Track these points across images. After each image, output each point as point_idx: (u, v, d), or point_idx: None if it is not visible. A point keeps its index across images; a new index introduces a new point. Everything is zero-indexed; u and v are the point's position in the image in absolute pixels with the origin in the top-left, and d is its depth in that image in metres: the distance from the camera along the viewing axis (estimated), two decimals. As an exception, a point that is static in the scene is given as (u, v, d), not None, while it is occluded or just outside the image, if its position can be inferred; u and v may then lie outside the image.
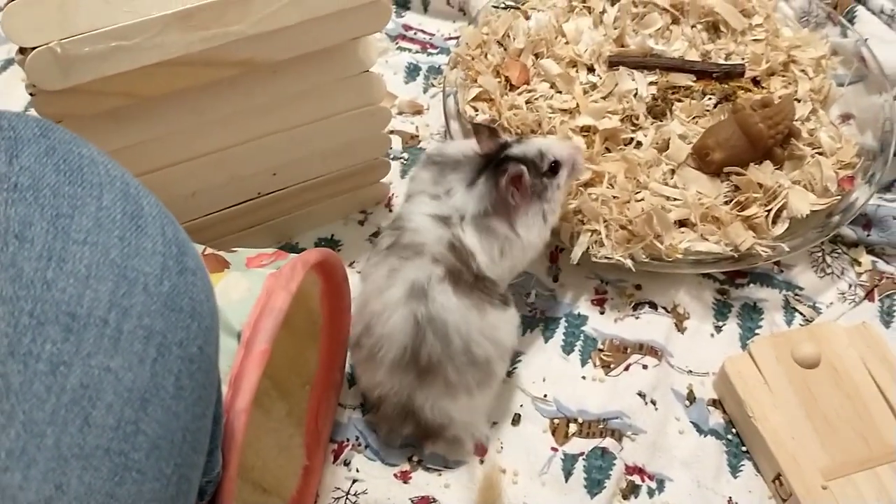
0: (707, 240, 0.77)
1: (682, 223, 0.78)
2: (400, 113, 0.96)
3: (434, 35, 1.04)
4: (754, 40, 0.91)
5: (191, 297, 0.37)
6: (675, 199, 0.78)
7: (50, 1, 0.56)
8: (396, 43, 1.03)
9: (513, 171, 0.66)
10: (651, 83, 0.87)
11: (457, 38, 1.01)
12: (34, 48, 0.56)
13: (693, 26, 0.93)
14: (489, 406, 0.69)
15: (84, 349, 0.32)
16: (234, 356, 0.50)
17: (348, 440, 0.71)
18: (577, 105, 0.85)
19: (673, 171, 0.81)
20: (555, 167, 0.70)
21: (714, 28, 0.93)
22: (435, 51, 1.02)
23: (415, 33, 1.04)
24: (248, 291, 0.54)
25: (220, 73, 0.64)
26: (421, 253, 0.64)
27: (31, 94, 0.61)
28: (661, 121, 0.85)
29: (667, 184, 0.80)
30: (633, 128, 0.84)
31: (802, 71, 0.89)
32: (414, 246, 0.65)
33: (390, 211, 0.86)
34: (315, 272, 0.64)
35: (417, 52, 1.02)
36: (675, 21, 0.93)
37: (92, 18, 0.57)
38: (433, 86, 0.99)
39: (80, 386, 0.32)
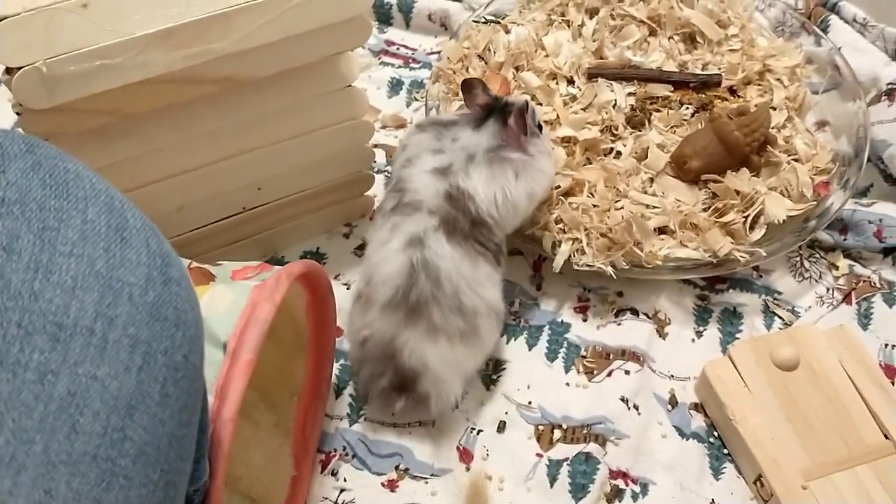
0: (686, 246, 0.78)
1: (661, 230, 0.79)
2: (383, 127, 0.97)
3: (416, 50, 1.05)
4: (730, 50, 0.93)
5: (175, 306, 0.38)
6: (654, 207, 0.80)
7: (35, 21, 0.57)
8: (379, 58, 1.04)
9: (521, 105, 0.72)
10: (630, 94, 0.89)
11: (438, 52, 1.03)
12: (20, 68, 0.57)
13: (670, 38, 0.94)
14: (467, 371, 0.70)
15: (71, 358, 0.33)
16: (221, 366, 0.51)
17: (335, 450, 0.72)
18: (558, 116, 0.86)
19: (652, 180, 0.82)
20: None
21: (691, 39, 0.95)
22: (417, 65, 1.04)
23: (397, 48, 1.06)
24: (234, 303, 0.55)
25: (204, 90, 0.65)
26: (419, 208, 0.68)
27: (17, 114, 0.61)
28: (640, 131, 0.86)
29: (646, 192, 0.81)
30: (612, 138, 0.86)
31: (778, 80, 0.91)
32: (414, 203, 0.69)
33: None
34: (300, 284, 0.65)
35: (400, 66, 1.04)
36: (653, 33, 0.95)
37: (76, 38, 0.58)
38: (416, 100, 1.00)
39: (68, 394, 0.32)
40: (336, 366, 0.75)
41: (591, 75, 0.90)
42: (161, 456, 0.36)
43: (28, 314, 0.32)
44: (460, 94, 0.78)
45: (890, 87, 0.87)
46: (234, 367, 0.50)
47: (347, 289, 0.81)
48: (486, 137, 0.73)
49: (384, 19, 1.08)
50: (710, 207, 0.80)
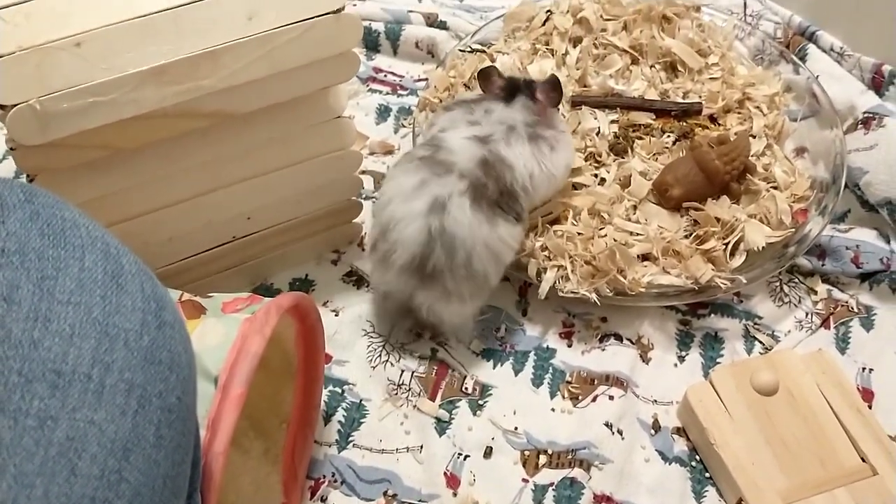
0: (669, 273, 0.80)
1: (644, 257, 0.81)
2: (371, 153, 0.98)
3: (403, 77, 1.07)
4: (711, 79, 0.95)
5: (169, 349, 0.39)
6: (637, 234, 0.81)
7: (29, 60, 0.58)
8: (367, 85, 1.06)
9: (551, 79, 0.78)
10: (612, 121, 0.91)
11: (426, 79, 1.04)
12: (14, 105, 0.58)
13: (652, 66, 0.96)
14: (477, 312, 0.78)
15: (69, 404, 0.34)
16: (212, 400, 0.52)
17: (325, 476, 0.73)
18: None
19: (635, 207, 0.84)
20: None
21: (672, 68, 0.97)
22: (405, 92, 1.05)
23: (385, 75, 1.07)
24: (224, 336, 0.56)
25: (194, 124, 0.66)
26: (451, 170, 0.72)
27: (10, 149, 0.63)
28: (623, 158, 0.88)
29: (629, 219, 0.83)
30: (596, 165, 0.87)
31: (757, 107, 0.93)
32: (447, 164, 0.72)
33: (363, 250, 0.88)
34: (289, 315, 0.66)
35: (388, 93, 1.05)
36: (635, 62, 0.97)
37: (70, 76, 0.59)
38: (403, 126, 1.01)
39: (67, 439, 0.34)
40: (325, 392, 0.76)
41: (575, 103, 0.92)
42: (156, 496, 0.37)
43: (28, 362, 0.34)
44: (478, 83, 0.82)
45: (866, 115, 0.89)
46: (225, 401, 0.52)
47: (336, 315, 0.83)
48: (520, 112, 0.77)
49: (372, 47, 1.09)
50: (691, 234, 0.82)
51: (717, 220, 0.81)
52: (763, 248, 0.80)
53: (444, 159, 0.72)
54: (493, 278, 0.74)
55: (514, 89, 0.79)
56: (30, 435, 0.33)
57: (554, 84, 0.77)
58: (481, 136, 0.74)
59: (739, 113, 0.93)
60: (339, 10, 0.66)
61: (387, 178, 0.76)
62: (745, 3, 1.04)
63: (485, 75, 0.80)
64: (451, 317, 0.75)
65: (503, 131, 0.75)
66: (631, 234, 0.81)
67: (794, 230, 0.82)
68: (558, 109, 0.82)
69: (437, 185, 0.71)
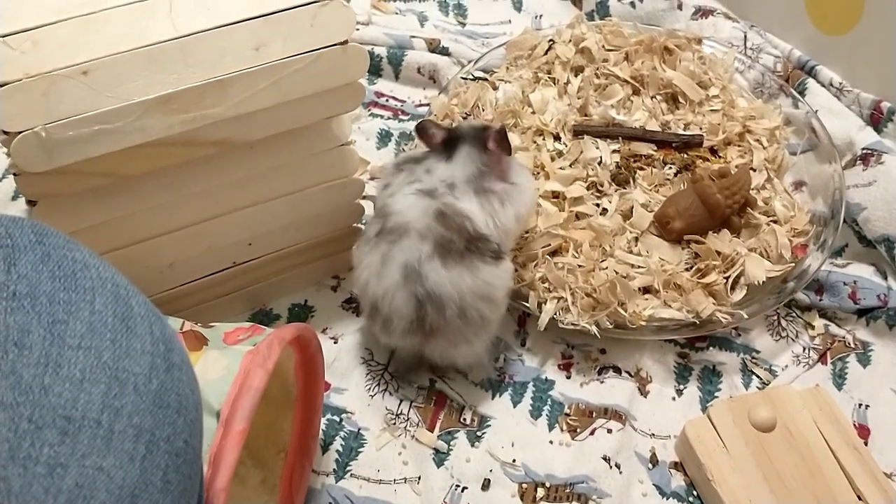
0: (670, 306, 0.80)
1: (646, 290, 0.81)
2: (372, 178, 0.98)
3: (405, 102, 1.07)
4: (711, 111, 0.95)
5: (177, 392, 0.39)
6: (639, 267, 0.82)
7: (36, 88, 0.58)
8: (369, 109, 1.06)
9: (499, 129, 0.75)
10: (614, 151, 0.91)
11: (427, 104, 1.04)
12: (19, 132, 0.58)
13: (653, 97, 0.97)
14: (490, 342, 0.78)
15: (79, 450, 0.34)
16: (214, 435, 0.52)
17: (321, 506, 0.73)
18: (545, 169, 0.88)
19: (637, 239, 0.84)
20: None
21: (673, 99, 0.97)
22: (406, 117, 1.06)
23: (386, 100, 1.07)
24: (227, 370, 0.56)
25: (199, 152, 0.66)
26: (407, 232, 0.71)
27: (14, 174, 0.62)
28: (625, 188, 0.88)
29: (631, 251, 0.83)
30: (598, 194, 0.88)
31: (757, 140, 0.93)
32: (399, 228, 0.71)
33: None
34: (290, 346, 0.66)
35: (389, 118, 1.06)
36: (636, 92, 0.97)
37: (76, 104, 0.59)
38: (404, 151, 1.01)
39: (76, 486, 0.34)
40: (323, 420, 0.76)
41: (577, 132, 0.93)
42: (162, 541, 0.37)
43: (39, 409, 0.34)
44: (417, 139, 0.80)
45: (865, 151, 0.90)
46: (228, 437, 0.51)
47: (335, 342, 0.83)
48: (461, 167, 0.74)
49: (374, 71, 1.09)
50: (692, 267, 0.82)
51: (718, 253, 0.82)
52: (763, 282, 0.80)
53: (395, 224, 0.71)
54: (493, 315, 0.74)
55: (454, 142, 0.76)
56: (39, 483, 0.33)
57: (502, 134, 0.74)
58: (427, 190, 0.73)
59: (740, 146, 0.93)
60: (345, 42, 0.66)
61: (355, 262, 0.75)
62: (745, 37, 1.05)
63: (421, 130, 0.78)
64: (464, 358, 0.76)
65: (445, 187, 0.73)
66: (632, 266, 0.82)
67: (793, 264, 0.83)
68: (512, 156, 0.78)
69: (400, 251, 0.70)
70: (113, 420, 0.35)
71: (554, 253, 0.82)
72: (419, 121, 0.79)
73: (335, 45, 0.66)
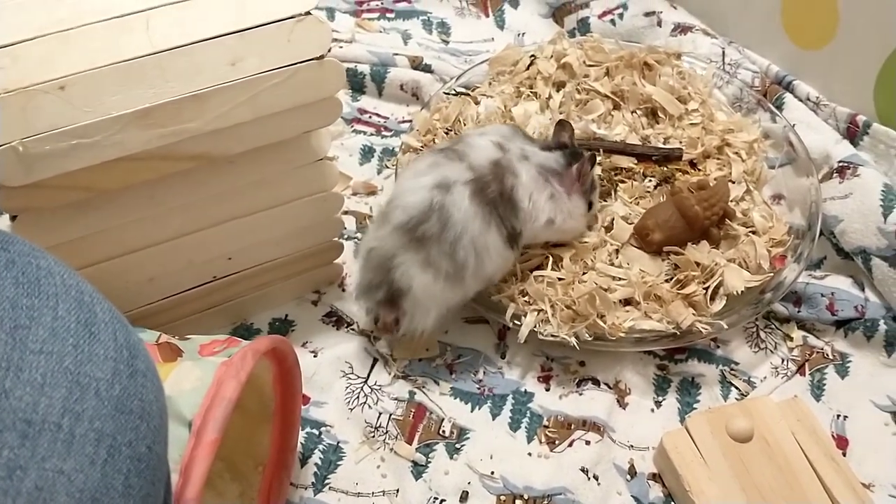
0: (650, 318, 0.81)
1: (626, 301, 0.82)
2: (354, 193, 0.99)
3: (388, 118, 1.08)
4: (691, 124, 0.96)
5: (140, 398, 0.39)
6: (620, 279, 0.82)
7: (14, 102, 0.59)
8: (352, 126, 1.07)
9: (590, 156, 0.82)
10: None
11: (410, 121, 1.05)
12: (-3, 147, 0.59)
13: (633, 112, 0.98)
14: (441, 306, 0.77)
15: (39, 453, 0.34)
16: (186, 445, 0.52)
17: (300, 520, 0.73)
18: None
19: (617, 251, 0.85)
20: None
21: (653, 114, 0.98)
22: (389, 133, 1.06)
23: (369, 116, 1.08)
24: (200, 381, 0.56)
25: (178, 167, 0.67)
26: (462, 159, 0.77)
27: (-8, 189, 0.63)
28: (606, 200, 0.89)
29: (612, 264, 0.84)
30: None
31: (736, 153, 0.94)
32: (461, 153, 0.78)
33: (343, 290, 0.88)
34: (267, 358, 0.66)
35: (372, 134, 1.06)
36: (617, 107, 0.98)
37: (54, 118, 0.60)
38: (387, 167, 1.02)
39: (35, 489, 0.34)
40: (302, 434, 0.76)
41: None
42: (124, 546, 0.37)
43: None
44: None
45: (841, 164, 0.91)
46: (199, 447, 0.52)
47: (315, 356, 0.83)
48: (545, 159, 0.81)
49: (357, 88, 1.10)
50: (672, 279, 0.83)
51: (697, 264, 0.82)
52: (742, 292, 0.81)
53: (460, 150, 0.79)
54: (470, 276, 0.76)
55: (560, 147, 0.83)
56: (-2, 485, 0.33)
57: (588, 161, 0.81)
58: (504, 145, 0.80)
59: (719, 159, 0.94)
60: (321, 57, 0.67)
61: (404, 168, 0.85)
62: (723, 53, 1.06)
63: (561, 125, 0.85)
64: (420, 288, 0.75)
65: (518, 155, 0.80)
66: (613, 278, 0.82)
67: (772, 275, 0.83)
68: (587, 192, 0.84)
69: (448, 168, 0.77)
70: (74, 424, 0.35)
71: (537, 267, 0.83)
72: (563, 119, 0.87)
73: (312, 59, 0.67)
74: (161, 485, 0.41)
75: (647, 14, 1.13)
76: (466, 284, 0.77)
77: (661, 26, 1.12)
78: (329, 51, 0.68)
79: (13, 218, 0.66)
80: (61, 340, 0.37)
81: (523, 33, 1.20)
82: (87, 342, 0.38)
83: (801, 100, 1.00)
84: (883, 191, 0.86)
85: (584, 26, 1.16)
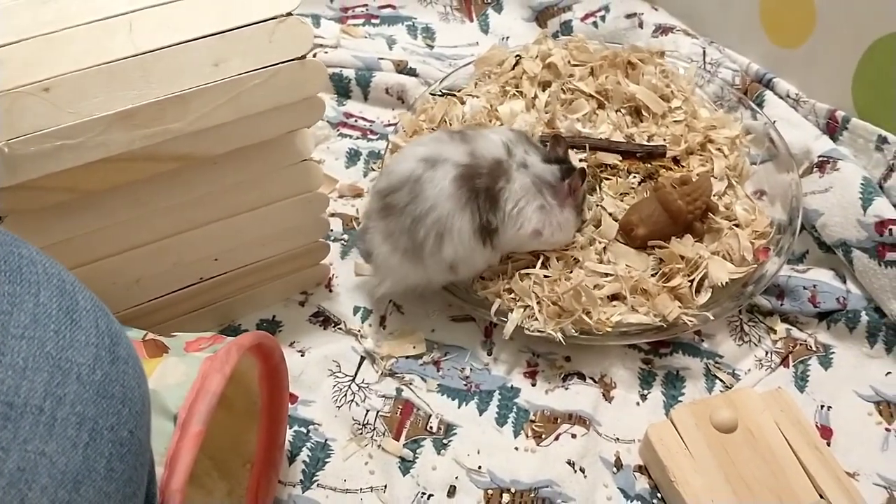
0: (637, 311, 0.81)
1: (614, 297, 0.82)
2: (341, 196, 1.00)
3: (374, 122, 1.09)
4: (675, 122, 0.97)
5: (122, 384, 0.40)
6: (607, 275, 0.83)
7: (-4, 105, 0.59)
8: (338, 130, 1.08)
9: (581, 170, 0.83)
10: (581, 160, 0.93)
11: (396, 124, 1.06)
12: (-18, 149, 0.59)
13: (617, 111, 0.99)
14: (397, 279, 0.81)
15: (21, 435, 0.35)
16: (171, 438, 0.53)
17: (289, 517, 0.73)
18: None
19: (605, 248, 0.86)
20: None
21: (637, 112, 0.99)
22: (375, 136, 1.07)
23: (355, 120, 1.09)
24: (185, 375, 0.56)
25: (162, 167, 0.67)
26: (465, 143, 0.79)
27: (-22, 191, 0.63)
28: (592, 196, 0.90)
29: (601, 261, 0.85)
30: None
31: (719, 149, 0.95)
32: (468, 138, 0.80)
33: (330, 291, 0.89)
34: (252, 355, 0.67)
35: (358, 138, 1.07)
36: (601, 106, 0.99)
37: (38, 120, 0.60)
38: (373, 170, 1.03)
39: (17, 469, 0.34)
40: (290, 432, 0.77)
41: (545, 142, 0.94)
42: (106, 529, 0.37)
43: None
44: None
45: (821, 159, 0.92)
46: (184, 439, 0.52)
47: (302, 355, 0.83)
48: (543, 170, 0.81)
49: (343, 93, 1.11)
50: (657, 273, 0.84)
51: (682, 257, 0.83)
52: (727, 283, 0.82)
53: (469, 135, 0.81)
54: (429, 256, 0.77)
55: (559, 161, 0.84)
56: (-21, 466, 0.34)
57: (580, 174, 0.82)
58: (509, 147, 0.81)
59: (701, 155, 0.95)
60: (303, 57, 0.68)
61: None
62: (704, 52, 1.07)
63: (556, 140, 0.87)
64: (379, 255, 0.79)
65: (518, 162, 0.81)
66: (601, 275, 0.83)
67: (755, 267, 0.84)
68: (579, 205, 0.85)
69: (447, 147, 0.79)
70: (55, 407, 0.36)
71: (527, 266, 0.84)
72: (557, 134, 0.90)
73: (294, 59, 0.68)
74: (144, 470, 0.42)
75: (629, 16, 1.15)
76: (427, 265, 0.78)
77: (642, 28, 1.13)
78: (314, 54, 0.69)
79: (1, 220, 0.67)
80: (42, 326, 0.37)
81: (507, 37, 1.21)
82: (69, 328, 0.38)
83: (781, 97, 1.01)
84: (862, 184, 0.87)
85: (566, 29, 1.18)
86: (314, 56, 1.00)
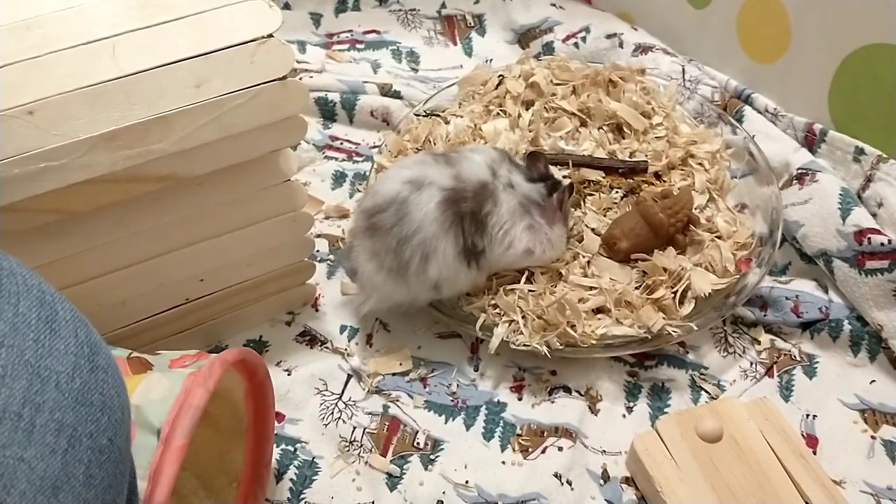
0: (622, 323, 0.82)
1: (599, 310, 0.83)
2: (327, 217, 1.01)
3: (359, 144, 1.10)
4: (656, 138, 0.99)
5: (101, 392, 0.40)
6: (592, 289, 0.84)
7: (-19, 128, 0.60)
8: (323, 152, 1.09)
9: (568, 186, 0.84)
10: (565, 177, 0.94)
11: (380, 146, 1.07)
12: (-35, 171, 0.60)
13: (600, 128, 1.00)
14: (382, 296, 0.81)
15: None
16: (154, 452, 0.53)
17: (277, 535, 0.73)
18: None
19: (589, 262, 0.87)
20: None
21: (619, 129, 1.01)
22: (360, 158, 1.08)
23: (341, 143, 1.10)
24: (168, 390, 0.57)
25: (146, 188, 0.68)
26: (451, 166, 0.80)
27: (-38, 214, 0.64)
28: (576, 211, 0.91)
29: (586, 275, 0.86)
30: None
31: (699, 164, 0.97)
32: (454, 161, 0.81)
33: (317, 311, 0.89)
34: (238, 372, 0.67)
35: (344, 160, 1.08)
36: (584, 124, 1.01)
37: (22, 142, 0.61)
38: (359, 191, 1.04)
39: None
40: (277, 450, 0.77)
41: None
42: (85, 536, 0.38)
43: None
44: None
45: (800, 171, 0.93)
46: (167, 453, 0.52)
47: (288, 374, 0.84)
48: (529, 190, 0.82)
49: (328, 116, 1.12)
50: (641, 285, 0.84)
51: (665, 269, 0.84)
52: (710, 294, 0.83)
53: (453, 157, 0.81)
54: (414, 276, 0.78)
55: (543, 179, 0.84)
56: (-43, 471, 0.34)
57: (567, 190, 0.84)
58: (497, 170, 0.81)
59: (683, 170, 0.97)
60: (284, 77, 0.69)
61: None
62: (683, 70, 1.09)
63: (534, 158, 0.86)
64: (364, 273, 0.80)
65: (504, 182, 0.81)
66: (586, 288, 0.84)
67: (738, 277, 0.85)
68: (565, 220, 0.86)
69: (433, 169, 0.79)
70: (34, 414, 0.36)
71: (513, 280, 0.85)
72: (534, 151, 0.88)
73: (275, 80, 0.69)
74: (124, 479, 0.42)
75: (609, 36, 1.16)
76: (412, 284, 0.79)
77: (622, 47, 1.15)
78: (300, 78, 0.70)
79: (-15, 243, 0.67)
80: (21, 335, 0.38)
81: (491, 59, 1.23)
82: (48, 337, 0.39)
83: (759, 112, 1.03)
84: (841, 194, 0.88)
85: (548, 50, 1.19)
86: (299, 79, 1.02)
